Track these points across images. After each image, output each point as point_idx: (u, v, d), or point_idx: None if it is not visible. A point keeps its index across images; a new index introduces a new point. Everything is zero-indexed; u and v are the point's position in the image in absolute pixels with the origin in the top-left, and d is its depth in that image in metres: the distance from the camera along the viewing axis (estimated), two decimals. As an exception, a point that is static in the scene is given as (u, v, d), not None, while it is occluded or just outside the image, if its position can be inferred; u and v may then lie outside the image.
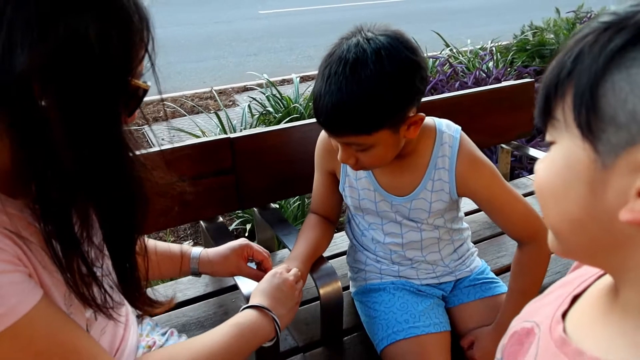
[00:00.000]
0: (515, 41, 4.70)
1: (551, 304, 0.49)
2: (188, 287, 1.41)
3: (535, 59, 4.36)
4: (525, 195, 1.74)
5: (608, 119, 0.35)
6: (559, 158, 0.40)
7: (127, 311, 0.87)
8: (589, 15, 4.97)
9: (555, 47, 4.31)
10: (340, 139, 0.96)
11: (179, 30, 7.42)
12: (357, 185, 1.13)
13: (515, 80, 2.59)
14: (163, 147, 1.29)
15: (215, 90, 4.22)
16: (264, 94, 3.79)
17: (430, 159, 1.05)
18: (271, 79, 4.05)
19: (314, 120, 1.44)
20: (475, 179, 1.05)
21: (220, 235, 1.36)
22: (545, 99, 0.41)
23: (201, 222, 1.45)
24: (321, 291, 1.13)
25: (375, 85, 0.87)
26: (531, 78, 2.73)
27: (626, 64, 0.35)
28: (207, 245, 1.53)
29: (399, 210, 1.11)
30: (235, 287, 1.37)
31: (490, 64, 4.00)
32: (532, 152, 1.99)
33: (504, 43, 4.78)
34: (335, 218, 1.25)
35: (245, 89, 4.73)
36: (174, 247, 1.07)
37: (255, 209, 1.53)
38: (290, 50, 6.45)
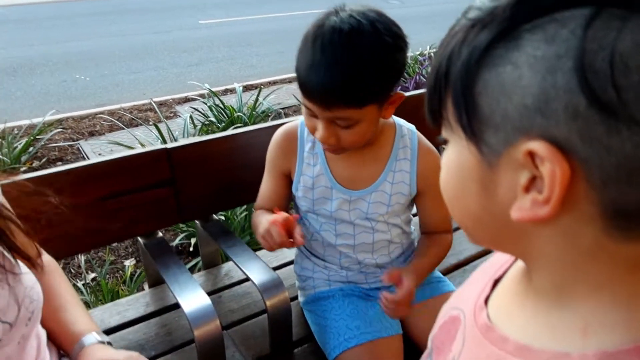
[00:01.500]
0: (451, 46, 4.86)
1: (474, 290, 0.49)
2: (127, 308, 1.33)
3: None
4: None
5: (486, 120, 0.35)
6: (452, 157, 0.40)
7: (40, 341, 0.79)
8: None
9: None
10: (329, 113, 0.91)
11: (113, 41, 7.14)
12: (312, 184, 1.10)
13: (453, 83, 2.66)
14: (94, 160, 1.21)
15: (155, 102, 4.07)
16: (206, 104, 3.70)
17: (392, 150, 1.06)
18: (213, 89, 3.97)
19: (256, 126, 1.41)
20: (436, 174, 1.05)
21: (160, 252, 1.28)
22: (430, 100, 0.40)
23: (139, 238, 1.37)
24: (268, 303, 1.09)
25: (373, 54, 0.86)
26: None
27: (494, 62, 0.33)
28: (147, 264, 1.45)
29: (358, 206, 1.09)
30: (177, 306, 1.30)
31: (430, 69, 4.11)
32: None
33: (441, 49, 4.93)
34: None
35: (187, 100, 4.61)
36: (78, 322, 0.88)
37: (197, 222, 1.46)
38: (233, 59, 6.36)
